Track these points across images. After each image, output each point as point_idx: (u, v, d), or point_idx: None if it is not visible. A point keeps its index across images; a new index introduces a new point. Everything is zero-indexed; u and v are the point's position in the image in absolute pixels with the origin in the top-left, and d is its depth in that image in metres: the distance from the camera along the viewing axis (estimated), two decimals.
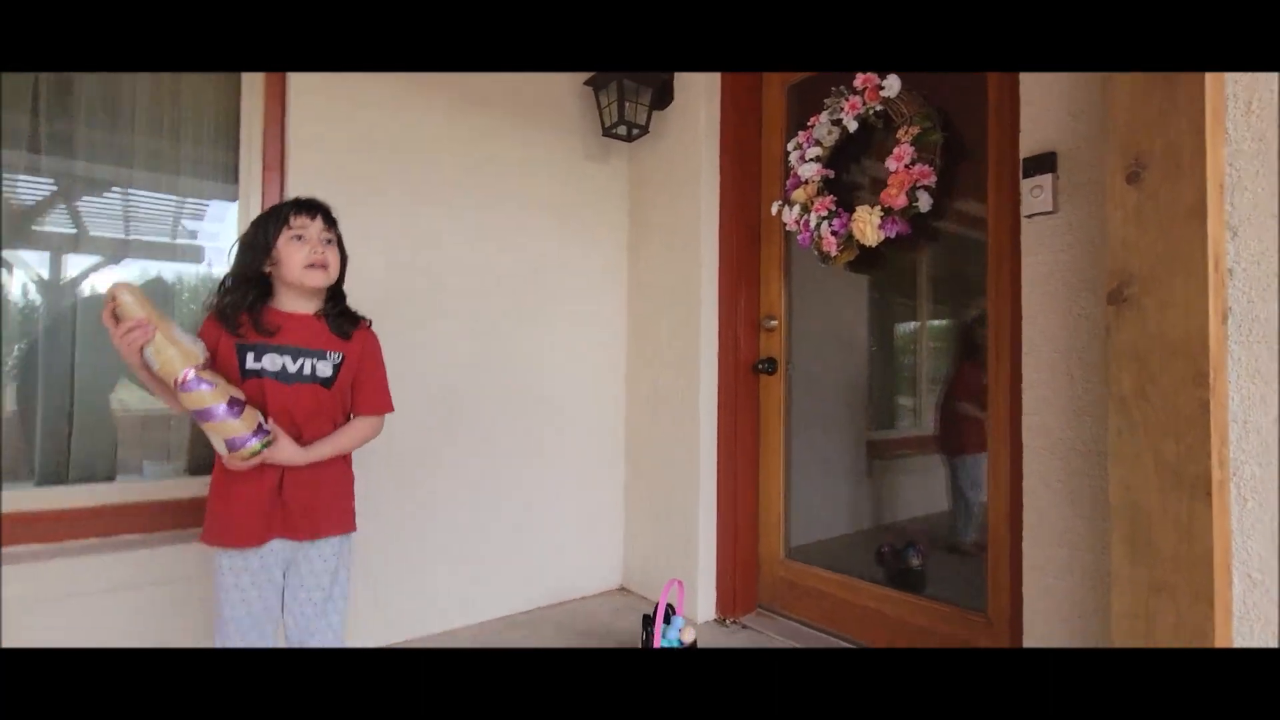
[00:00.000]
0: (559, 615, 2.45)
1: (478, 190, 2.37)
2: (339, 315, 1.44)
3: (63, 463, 1.83)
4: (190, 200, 2.02)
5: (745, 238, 2.49)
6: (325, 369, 1.39)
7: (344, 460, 1.48)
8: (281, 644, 1.46)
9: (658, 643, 1.89)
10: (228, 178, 2.03)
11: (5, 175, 1.77)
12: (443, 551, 2.28)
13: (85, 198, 1.91)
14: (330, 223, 1.42)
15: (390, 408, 1.51)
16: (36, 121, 1.82)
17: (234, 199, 2.04)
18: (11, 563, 1.63)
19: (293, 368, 1.36)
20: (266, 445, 1.25)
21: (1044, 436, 1.51)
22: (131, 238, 1.97)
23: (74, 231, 1.90)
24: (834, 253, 2.11)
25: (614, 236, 2.75)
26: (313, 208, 1.40)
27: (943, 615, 1.96)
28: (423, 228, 2.25)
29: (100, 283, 1.91)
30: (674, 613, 1.97)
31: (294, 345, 1.37)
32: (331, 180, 2.04)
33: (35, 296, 1.85)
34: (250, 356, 1.34)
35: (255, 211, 2.00)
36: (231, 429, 1.22)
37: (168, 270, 2.03)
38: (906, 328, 2.29)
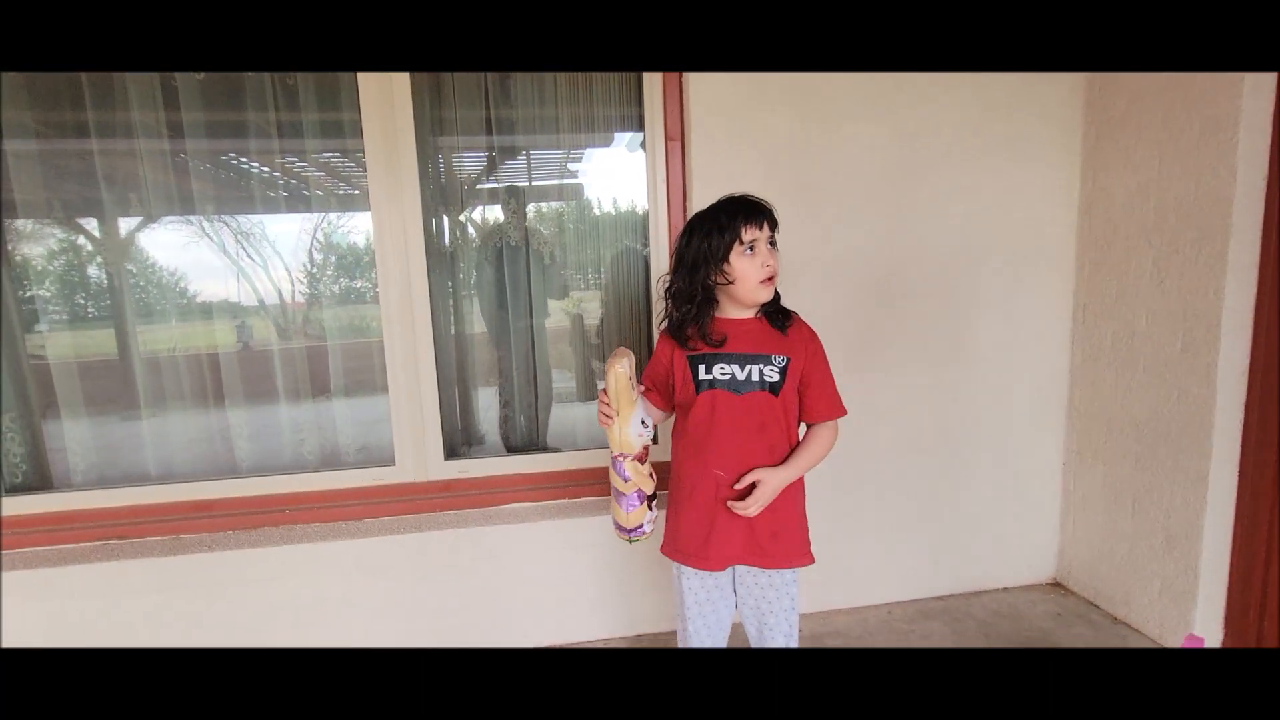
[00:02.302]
0: (979, 609, 2.12)
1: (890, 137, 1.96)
2: (777, 313, 1.35)
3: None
4: (571, 150, 2.18)
5: None
6: (772, 374, 1.30)
7: (802, 481, 1.38)
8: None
9: None
10: (635, 127, 2.06)
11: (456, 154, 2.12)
12: (850, 519, 2.12)
13: (507, 161, 2.19)
14: (774, 226, 1.30)
15: (844, 411, 1.36)
16: (487, 111, 2.04)
17: (608, 145, 2.12)
18: (505, 521, 2.00)
19: (741, 375, 1.30)
20: (632, 542, 1.33)
21: None
22: (534, 184, 2.21)
23: (494, 185, 2.21)
24: None
25: (1057, 149, 2.06)
26: (760, 214, 1.27)
27: None
28: (822, 185, 1.96)
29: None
30: None
31: (741, 352, 1.30)
32: (725, 145, 1.90)
33: (474, 235, 2.22)
34: (702, 369, 1.31)
35: (662, 179, 1.97)
36: (620, 517, 1.30)
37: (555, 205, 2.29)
38: None
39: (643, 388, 1.29)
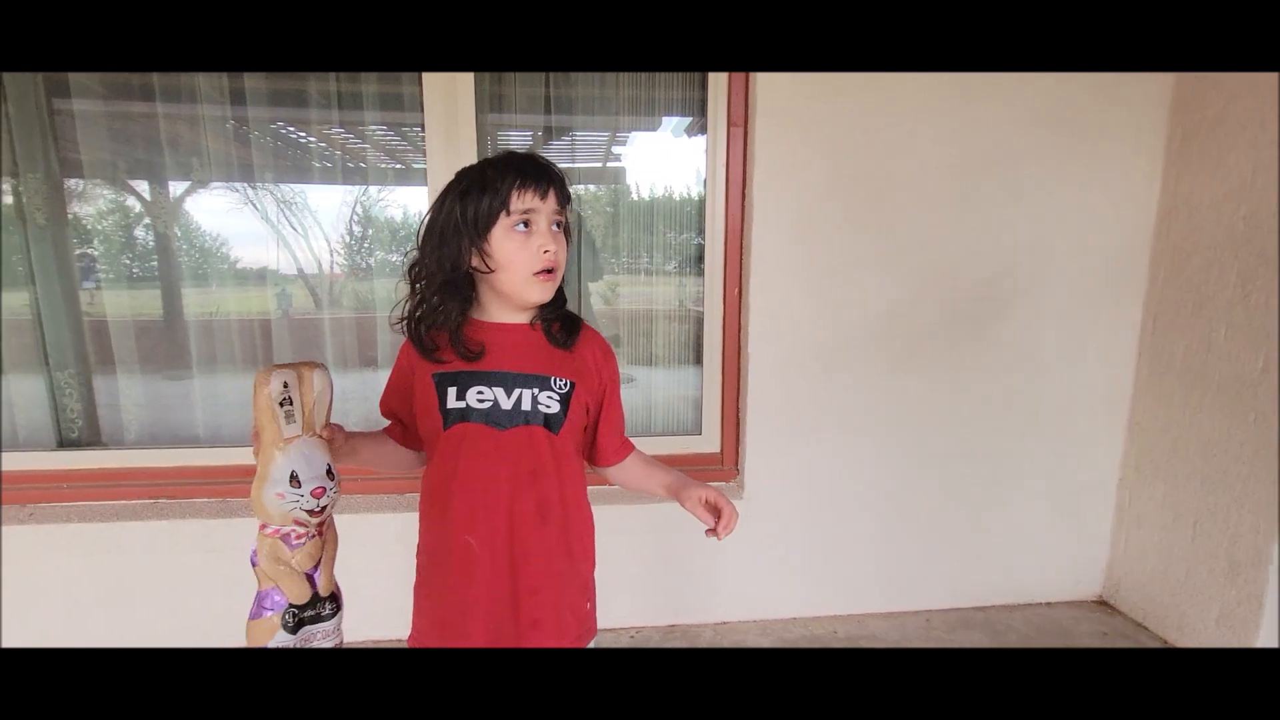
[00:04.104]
0: (1020, 622, 2.06)
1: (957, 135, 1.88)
2: (561, 322, 1.00)
3: None
4: (629, 132, 2.09)
5: None
6: (551, 403, 0.95)
7: (588, 533, 1.07)
8: None
9: None
10: (696, 111, 1.99)
11: (500, 133, 2.03)
12: (891, 522, 2.07)
13: (550, 142, 2.13)
14: (565, 200, 0.96)
15: (632, 445, 1.10)
16: (547, 89, 2.00)
17: (665, 129, 2.02)
18: None
19: (507, 403, 0.94)
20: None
21: None
22: (589, 165, 2.14)
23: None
24: None
25: (1137, 150, 1.95)
26: (544, 178, 0.92)
27: None
28: (893, 184, 1.89)
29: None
30: None
31: (510, 371, 0.95)
32: (790, 133, 1.83)
33: None
34: (452, 393, 0.95)
35: (722, 164, 1.92)
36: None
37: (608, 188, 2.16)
38: None
39: (318, 434, 0.89)
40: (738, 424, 2.01)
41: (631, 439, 1.11)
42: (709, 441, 2.05)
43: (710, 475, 2.04)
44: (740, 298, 1.97)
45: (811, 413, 1.96)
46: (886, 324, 1.96)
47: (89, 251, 2.00)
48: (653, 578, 1.99)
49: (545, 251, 0.92)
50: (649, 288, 2.16)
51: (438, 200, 0.95)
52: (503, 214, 0.91)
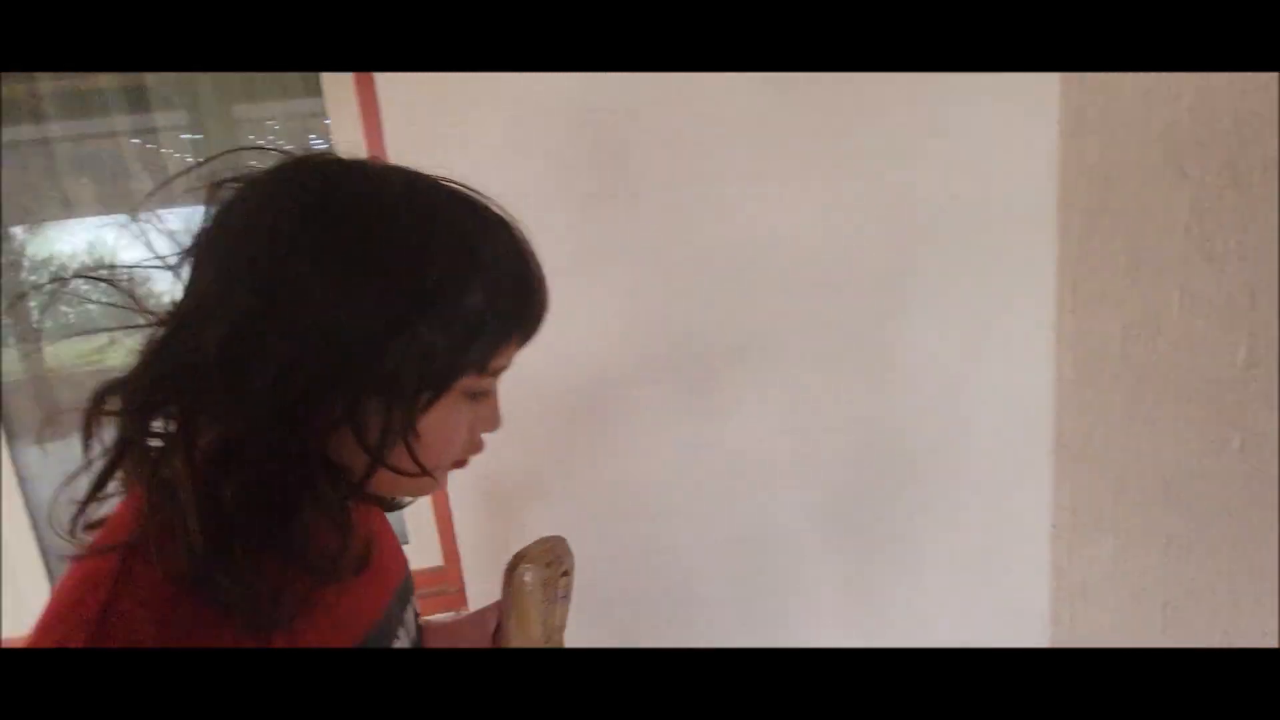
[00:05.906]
0: None
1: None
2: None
3: None
4: None
5: None
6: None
7: None
8: None
9: None
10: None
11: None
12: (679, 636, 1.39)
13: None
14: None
15: None
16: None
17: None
18: None
19: (412, 631, 0.59)
20: None
21: None
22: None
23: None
24: None
25: (1026, 97, 1.21)
26: (543, 314, 0.50)
27: None
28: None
29: None
30: None
31: (402, 580, 0.59)
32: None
33: None
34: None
35: (350, 128, 1.21)
36: None
37: None
38: None
39: None
40: (452, 525, 1.33)
41: None
42: (426, 553, 1.37)
43: (439, 604, 1.37)
44: None
45: (548, 491, 1.28)
46: (664, 344, 1.27)
47: None
48: None
49: (487, 427, 0.52)
50: None
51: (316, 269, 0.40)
52: (471, 373, 0.45)
